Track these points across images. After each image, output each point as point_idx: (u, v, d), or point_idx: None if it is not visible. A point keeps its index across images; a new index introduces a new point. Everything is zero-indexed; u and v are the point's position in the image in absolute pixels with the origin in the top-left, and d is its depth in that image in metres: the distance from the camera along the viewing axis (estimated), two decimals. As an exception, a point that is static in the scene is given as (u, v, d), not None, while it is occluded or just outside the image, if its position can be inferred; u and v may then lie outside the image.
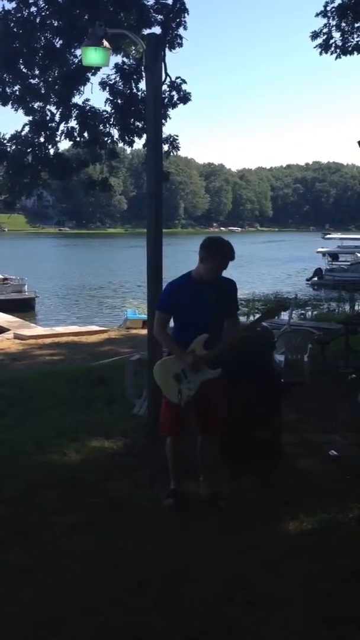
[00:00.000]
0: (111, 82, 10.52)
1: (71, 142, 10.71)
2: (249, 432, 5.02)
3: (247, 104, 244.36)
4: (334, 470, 4.90)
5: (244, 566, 3.47)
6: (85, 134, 10.58)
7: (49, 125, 10.43)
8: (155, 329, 4.38)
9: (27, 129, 10.40)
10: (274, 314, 4.74)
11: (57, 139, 10.56)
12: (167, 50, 9.96)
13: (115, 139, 10.85)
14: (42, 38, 9.93)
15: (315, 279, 33.56)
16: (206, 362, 4.14)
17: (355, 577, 3.32)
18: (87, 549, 3.70)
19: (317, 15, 11.43)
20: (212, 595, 3.19)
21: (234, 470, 4.77)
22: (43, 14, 9.80)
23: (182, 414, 4.24)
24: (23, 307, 24.02)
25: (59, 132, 10.51)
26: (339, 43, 11.60)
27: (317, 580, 3.30)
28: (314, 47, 11.59)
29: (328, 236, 48.41)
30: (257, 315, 5.01)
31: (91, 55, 6.12)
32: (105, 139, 10.80)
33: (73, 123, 10.63)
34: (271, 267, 45.76)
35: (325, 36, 11.57)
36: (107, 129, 10.75)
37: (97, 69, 9.33)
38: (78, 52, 9.50)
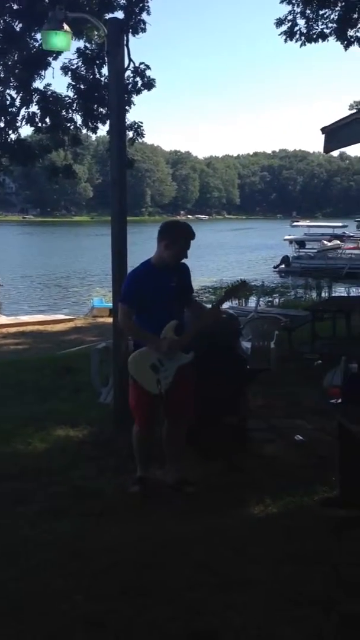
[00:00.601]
0: (73, 67, 10.40)
1: (32, 128, 10.56)
2: (216, 418, 5.03)
3: (214, 91, 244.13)
4: (299, 455, 4.95)
5: (211, 550, 3.48)
6: (47, 120, 10.45)
7: (9, 110, 10.25)
8: (121, 322, 4.28)
9: (-15, 113, 10.21)
10: (237, 292, 4.75)
11: (18, 124, 10.39)
12: (130, 35, 9.89)
13: (78, 125, 10.75)
14: (1, 21, 9.74)
15: (283, 266, 33.83)
16: (181, 347, 4.14)
17: (320, 558, 3.36)
18: (51, 538, 3.67)
19: (281, 1, 11.44)
20: (178, 580, 3.20)
21: (200, 455, 4.79)
22: (2, -4, 9.60)
23: (151, 402, 4.22)
24: (-13, 297, 23.62)
25: (19, 117, 10.34)
26: (304, 30, 11.64)
27: (282, 563, 3.33)
28: (279, 35, 11.60)
29: (295, 224, 48.82)
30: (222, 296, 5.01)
31: (52, 40, 6.01)
32: (68, 124, 10.69)
33: (34, 108, 10.49)
34: (239, 255, 45.89)
35: (290, 23, 11.60)
36: (70, 115, 10.64)
37: (59, 53, 9.20)
38: (38, 36, 9.35)
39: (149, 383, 4.14)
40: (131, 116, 12.17)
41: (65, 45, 6.19)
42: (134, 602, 3.02)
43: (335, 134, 5.72)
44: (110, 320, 8.69)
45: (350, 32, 11.57)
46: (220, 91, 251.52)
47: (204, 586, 3.14)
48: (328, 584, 3.13)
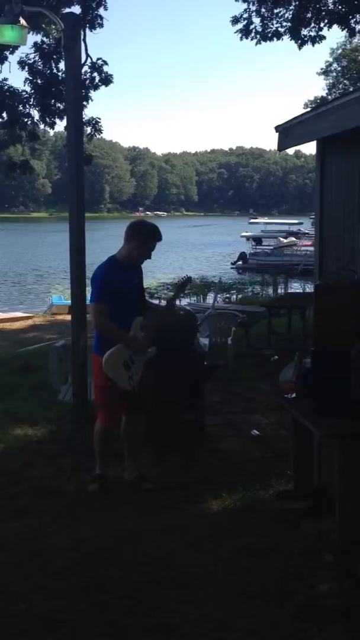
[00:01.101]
0: (30, 62, 10.29)
1: (-12, 123, 10.39)
2: (173, 414, 5.08)
3: (171, 87, 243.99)
4: (255, 450, 5.04)
5: (168, 546, 3.53)
6: (4, 115, 10.30)
7: (-36, 104, 10.07)
8: (96, 321, 4.25)
9: None
10: (184, 289, 4.83)
11: (-27, 118, 10.22)
12: (87, 30, 9.84)
13: (35, 120, 10.64)
14: None
15: (240, 262, 34.10)
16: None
17: (275, 551, 3.43)
18: (9, 538, 3.66)
19: (237, -1, 11.51)
20: (136, 576, 3.23)
21: (158, 452, 4.83)
22: None
23: (118, 400, 4.24)
24: None
25: (-26, 112, 10.16)
26: (259, 29, 11.74)
27: (238, 556, 3.39)
28: (235, 32, 11.68)
29: (252, 221, 49.25)
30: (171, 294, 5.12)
31: (7, 33, 5.93)
32: (25, 119, 10.56)
33: (-10, 103, 10.32)
34: (197, 251, 46.08)
35: (246, 22, 11.69)
36: (27, 110, 10.52)
37: (15, 47, 9.08)
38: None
39: (123, 380, 4.19)
40: (89, 112, 12.08)
41: (21, 39, 6.11)
42: (93, 600, 3.04)
43: (289, 132, 5.83)
44: (69, 317, 8.64)
45: (304, 32, 11.74)
46: (179, 87, 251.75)
47: (161, 581, 3.18)
48: (282, 575, 3.21)
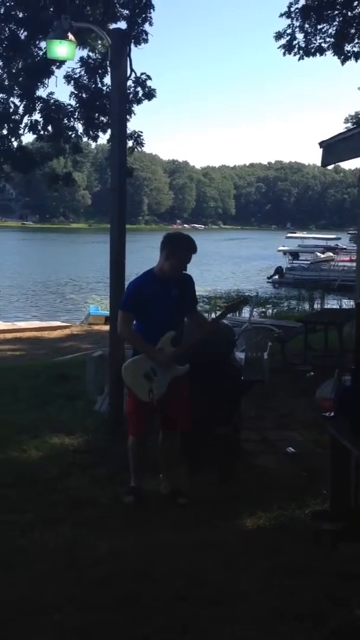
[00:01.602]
0: (76, 76, 10.49)
1: (35, 135, 10.62)
2: (209, 429, 5.06)
3: (212, 101, 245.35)
4: (291, 467, 4.98)
5: (201, 563, 3.50)
6: (49, 128, 10.51)
7: (12, 117, 10.31)
8: (120, 329, 4.32)
9: (-11, 121, 10.27)
10: (236, 308, 4.80)
11: (21, 131, 10.45)
12: (132, 45, 9.98)
13: (79, 133, 10.82)
14: (6, 29, 9.81)
15: (276, 277, 33.94)
16: (176, 359, 4.18)
17: (309, 572, 3.38)
18: (45, 547, 3.68)
19: (281, 15, 11.56)
20: (169, 592, 3.21)
21: (193, 467, 4.81)
22: (7, 4, 9.68)
23: (147, 412, 4.25)
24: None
25: (22, 125, 10.40)
26: (302, 44, 11.74)
27: (273, 576, 3.35)
28: (278, 48, 11.70)
29: (290, 235, 49.01)
30: (220, 312, 5.09)
31: (56, 48, 6.07)
32: (70, 132, 10.76)
33: (37, 116, 10.55)
34: (233, 265, 46.04)
35: (289, 37, 11.70)
36: (72, 123, 10.71)
37: (62, 62, 9.27)
38: (43, 44, 9.42)
39: (142, 391, 4.18)
40: (131, 125, 12.23)
41: (70, 54, 6.25)
42: (126, 614, 3.03)
43: (333, 148, 5.80)
44: (106, 328, 8.73)
45: (348, 47, 11.70)
46: (218, 101, 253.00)
47: (194, 599, 3.15)
48: (317, 597, 3.16)
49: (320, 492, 4.30)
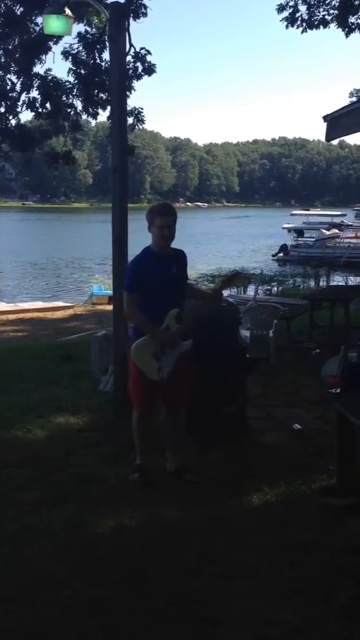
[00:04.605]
0: (74, 52, 10.33)
1: (33, 113, 10.49)
2: (215, 406, 5.05)
3: (213, 77, 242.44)
4: (297, 444, 4.98)
5: (209, 538, 3.52)
6: (48, 105, 10.38)
7: (10, 95, 10.18)
8: (126, 310, 4.30)
9: (-15, 99, 10.14)
10: (231, 282, 4.77)
11: (18, 109, 10.32)
12: (131, 19, 9.81)
13: (78, 111, 10.69)
14: (2, 5, 9.64)
15: (281, 254, 33.75)
16: (181, 335, 4.18)
17: (318, 547, 3.39)
18: (52, 525, 3.70)
19: (283, -13, 11.32)
20: (178, 567, 3.23)
21: (199, 444, 4.81)
22: (3, -21, 9.50)
23: (151, 389, 4.24)
24: (-14, 283, 23.56)
25: (20, 103, 10.26)
26: (305, 17, 11.54)
27: (281, 551, 3.36)
28: (280, 21, 11.50)
29: (294, 212, 48.69)
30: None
31: (53, 24, 5.96)
32: (69, 110, 10.62)
33: (35, 93, 10.42)
34: (238, 243, 45.78)
35: (292, 9, 11.50)
36: (70, 100, 10.57)
37: (59, 38, 9.13)
38: (39, 20, 9.27)
39: (151, 370, 4.17)
40: (131, 102, 12.08)
41: (67, 29, 6.13)
42: (135, 588, 3.05)
43: (337, 122, 5.68)
44: (109, 307, 8.69)
45: (352, 19, 11.49)
46: (220, 77, 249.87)
47: (204, 574, 3.17)
48: (326, 571, 3.16)
49: (326, 468, 4.30)
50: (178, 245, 4.36)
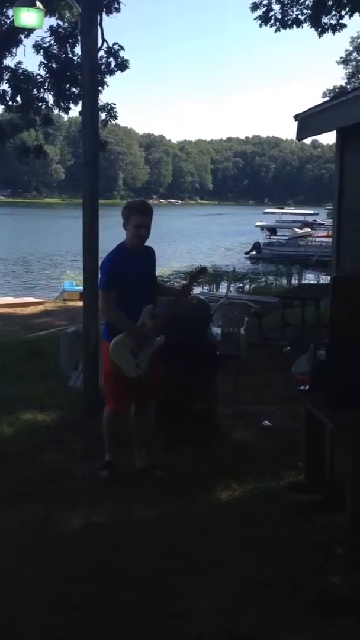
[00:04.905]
0: (45, 45, 10.23)
1: (3, 106, 10.36)
2: (185, 403, 5.05)
3: (188, 74, 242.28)
4: (267, 441, 5.01)
5: (177, 534, 3.52)
6: (18, 98, 10.26)
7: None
8: (103, 309, 4.31)
9: None
10: (197, 277, 4.77)
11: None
12: (104, 14, 9.74)
13: (50, 105, 10.59)
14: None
15: (254, 252, 33.93)
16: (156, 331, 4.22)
17: (285, 543, 3.41)
18: (20, 522, 3.66)
19: (257, -14, 11.36)
20: (145, 563, 3.23)
21: (169, 440, 4.81)
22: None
23: (127, 386, 4.23)
24: None
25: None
26: (279, 16, 11.59)
27: (249, 546, 3.38)
28: (254, 19, 11.54)
29: (267, 210, 48.93)
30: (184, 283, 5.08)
31: (23, 16, 5.91)
32: (40, 104, 10.52)
33: (5, 86, 10.28)
34: (210, 240, 45.85)
35: (265, 8, 11.55)
36: (42, 94, 10.47)
37: (30, 31, 9.04)
38: (10, 12, 9.13)
39: (129, 367, 4.17)
40: (104, 97, 12.00)
41: (38, 22, 6.08)
42: (102, 585, 3.04)
43: (308, 121, 5.74)
44: (80, 303, 8.62)
45: (325, 19, 11.58)
46: (195, 74, 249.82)
47: (171, 569, 3.17)
48: (293, 566, 3.19)
49: (295, 465, 4.33)
50: (151, 243, 4.37)
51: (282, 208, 51.06)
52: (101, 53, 9.55)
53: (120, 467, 4.36)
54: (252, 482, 4.17)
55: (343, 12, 11.40)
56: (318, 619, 2.78)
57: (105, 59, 10.17)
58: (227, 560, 3.25)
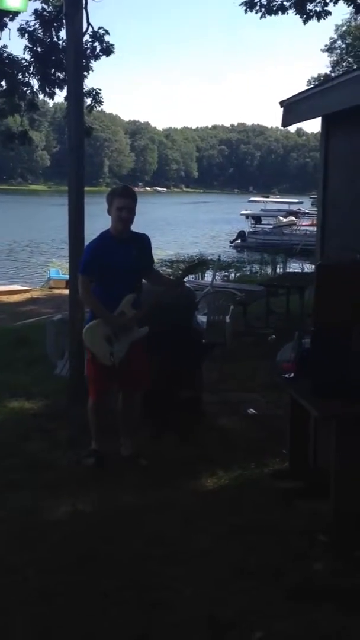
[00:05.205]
0: (30, 29, 10.09)
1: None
2: (171, 391, 5.06)
3: (173, 60, 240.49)
4: (251, 428, 5.03)
5: (162, 522, 3.53)
6: (3, 83, 10.13)
7: None
8: (80, 293, 4.29)
9: None
10: (194, 270, 4.77)
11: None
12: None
13: (35, 90, 10.47)
14: None
15: (239, 241, 33.91)
16: (137, 321, 4.16)
17: (269, 530, 3.44)
18: (4, 511, 3.66)
19: (242, -29, 11.24)
20: (130, 551, 3.24)
21: (154, 429, 4.82)
22: None
23: (107, 374, 4.21)
24: None
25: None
26: (264, 2, 11.49)
27: (233, 534, 3.40)
28: (239, 5, 11.44)
29: (252, 199, 48.89)
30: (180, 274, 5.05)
31: (8, -1, 5.80)
32: (25, 89, 10.39)
33: (-11, 70, 10.14)
34: (195, 229, 45.73)
35: (251, -6, 11.42)
36: (27, 79, 10.34)
37: (15, 14, 8.89)
38: (-6, -6, 8.97)
39: (103, 354, 4.15)
40: (89, 82, 11.84)
41: (23, 5, 6.00)
42: (87, 574, 3.05)
43: (294, 107, 5.69)
44: (66, 292, 8.58)
45: (310, 6, 11.49)
46: (180, 60, 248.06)
47: (155, 557, 3.19)
48: (277, 554, 3.21)
49: (280, 452, 4.36)
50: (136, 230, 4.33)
51: (267, 197, 51.03)
52: (86, 37, 9.45)
53: (106, 455, 4.36)
54: (236, 470, 4.20)
55: (328, 0, 11.34)
56: (301, 605, 2.81)
57: (90, 43, 10.06)
58: (211, 548, 3.27)
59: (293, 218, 37.70)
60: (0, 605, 2.84)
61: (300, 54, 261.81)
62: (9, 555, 3.22)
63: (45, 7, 10.15)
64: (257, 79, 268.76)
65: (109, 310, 4.14)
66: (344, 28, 25.28)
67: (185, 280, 5.17)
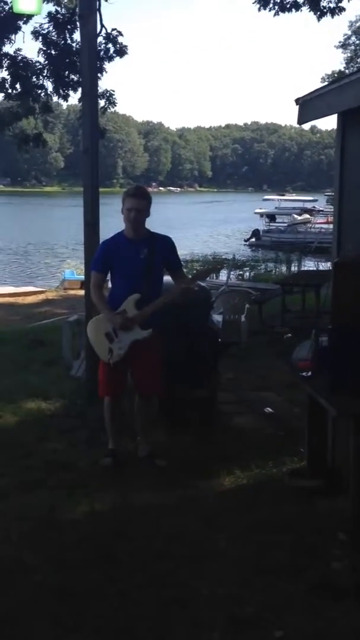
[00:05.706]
0: (44, 32, 10.14)
1: (2, 94, 10.29)
2: (187, 391, 5.06)
3: (186, 61, 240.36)
4: (268, 427, 5.02)
5: (180, 522, 3.53)
6: (17, 86, 10.18)
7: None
8: (91, 290, 4.36)
9: None
10: (209, 273, 4.74)
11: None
12: (102, 0, 9.63)
13: (49, 92, 10.52)
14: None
15: (253, 239, 33.83)
16: (139, 322, 4.11)
17: (287, 528, 3.43)
18: (24, 510, 3.68)
19: (255, -31, 11.19)
20: (148, 551, 3.25)
21: (171, 428, 4.82)
22: None
23: (117, 374, 4.23)
24: None
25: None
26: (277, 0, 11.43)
27: (251, 533, 3.39)
28: (253, 3, 11.39)
29: (267, 197, 48.75)
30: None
31: (22, 3, 5.85)
32: (39, 91, 10.44)
33: (4, 74, 10.21)
34: (210, 228, 45.70)
35: (264, -9, 11.36)
36: (41, 81, 10.38)
37: (29, 17, 8.96)
38: (8, -2, 9.05)
39: (101, 350, 4.20)
40: (103, 84, 11.90)
41: (36, 8, 6.05)
42: (105, 572, 3.06)
43: (310, 105, 5.66)
44: (81, 292, 8.63)
45: (323, 3, 11.42)
46: (193, 61, 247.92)
47: (173, 557, 3.19)
48: (295, 552, 3.21)
49: (297, 451, 4.35)
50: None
51: (282, 195, 50.85)
52: (100, 39, 9.48)
53: (123, 455, 4.37)
54: (254, 469, 4.19)
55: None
56: (321, 603, 2.80)
57: (104, 45, 10.08)
58: (230, 546, 3.27)
59: (308, 216, 37.54)
60: (19, 604, 2.86)
61: (314, 52, 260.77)
62: (27, 553, 3.24)
63: (59, 9, 10.20)
64: (270, 78, 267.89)
65: (114, 309, 4.17)
66: (358, 24, 25.15)
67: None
